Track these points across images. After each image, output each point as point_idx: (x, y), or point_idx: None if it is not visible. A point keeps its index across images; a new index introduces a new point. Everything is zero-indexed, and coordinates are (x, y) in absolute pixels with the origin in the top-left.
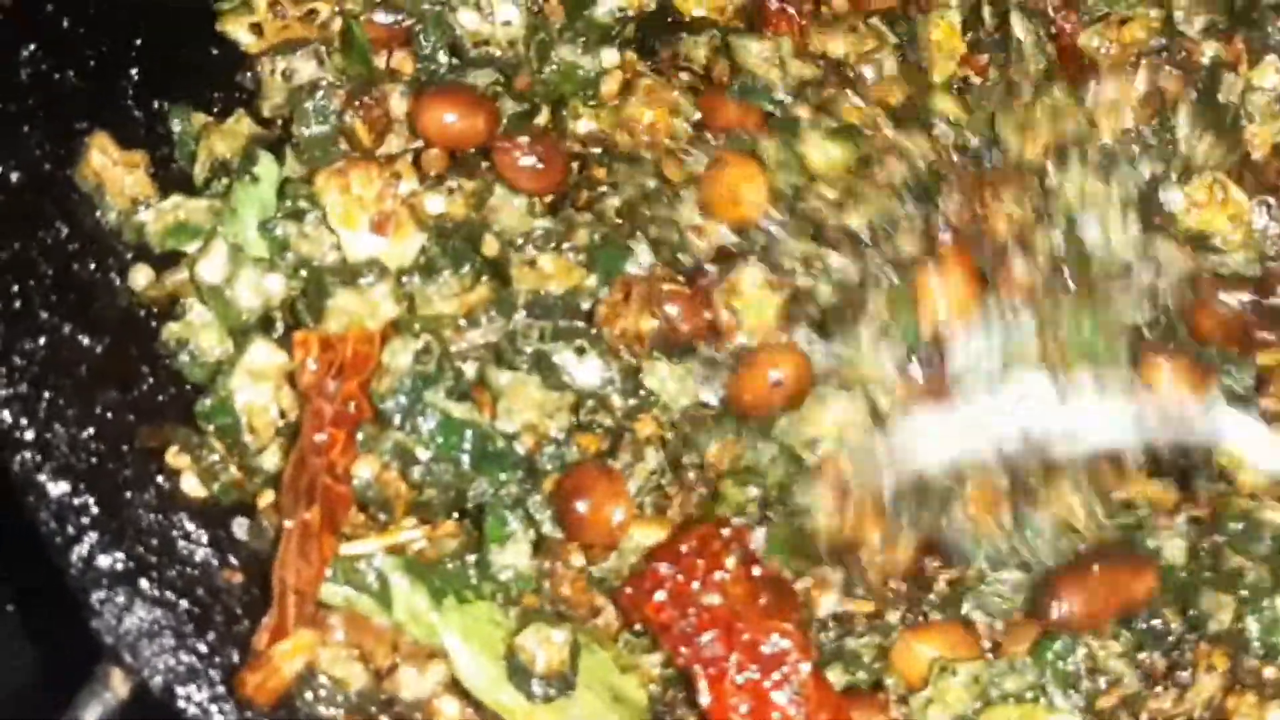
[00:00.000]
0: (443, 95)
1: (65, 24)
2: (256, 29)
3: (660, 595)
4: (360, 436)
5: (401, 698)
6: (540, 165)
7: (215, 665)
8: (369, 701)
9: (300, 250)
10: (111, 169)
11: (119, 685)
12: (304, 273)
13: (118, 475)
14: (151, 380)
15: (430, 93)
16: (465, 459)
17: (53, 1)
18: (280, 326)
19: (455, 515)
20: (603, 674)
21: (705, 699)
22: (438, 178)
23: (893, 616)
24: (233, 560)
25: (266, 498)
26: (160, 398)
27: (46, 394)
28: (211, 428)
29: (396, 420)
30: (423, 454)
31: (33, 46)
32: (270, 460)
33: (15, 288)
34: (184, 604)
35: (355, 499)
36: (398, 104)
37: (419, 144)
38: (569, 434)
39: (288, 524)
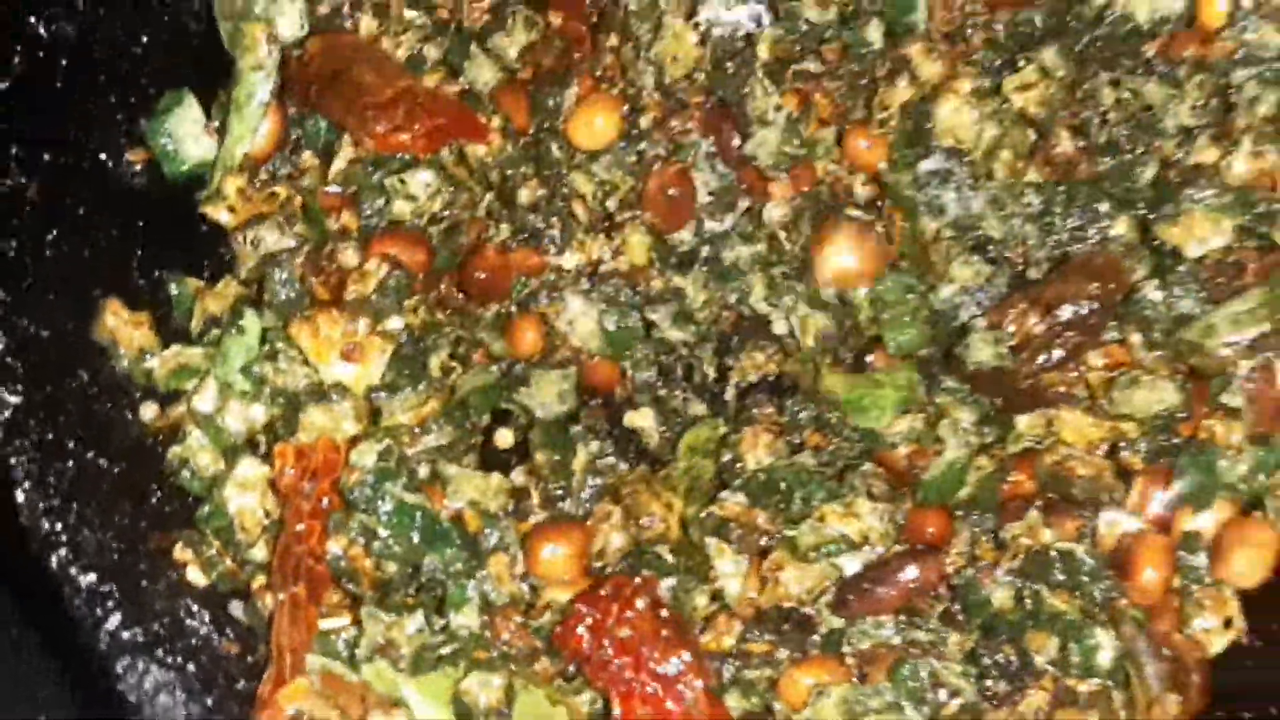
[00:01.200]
0: (383, 238)
1: (82, 211)
2: (231, 210)
3: (582, 629)
4: (331, 522)
5: None
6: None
7: (221, 713)
8: None
9: (277, 383)
10: (122, 327)
11: None
12: (281, 399)
13: (135, 569)
14: (159, 493)
15: (375, 239)
16: (416, 535)
17: (72, 195)
18: (263, 442)
19: (413, 591)
20: (536, 708)
21: (617, 711)
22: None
23: (781, 654)
24: (230, 634)
25: (258, 582)
26: (167, 508)
27: (75, 507)
28: (210, 530)
29: (361, 505)
30: (382, 532)
31: (56, 231)
32: (259, 553)
33: (48, 424)
34: (191, 668)
35: (330, 574)
36: (350, 258)
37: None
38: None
39: (280, 597)
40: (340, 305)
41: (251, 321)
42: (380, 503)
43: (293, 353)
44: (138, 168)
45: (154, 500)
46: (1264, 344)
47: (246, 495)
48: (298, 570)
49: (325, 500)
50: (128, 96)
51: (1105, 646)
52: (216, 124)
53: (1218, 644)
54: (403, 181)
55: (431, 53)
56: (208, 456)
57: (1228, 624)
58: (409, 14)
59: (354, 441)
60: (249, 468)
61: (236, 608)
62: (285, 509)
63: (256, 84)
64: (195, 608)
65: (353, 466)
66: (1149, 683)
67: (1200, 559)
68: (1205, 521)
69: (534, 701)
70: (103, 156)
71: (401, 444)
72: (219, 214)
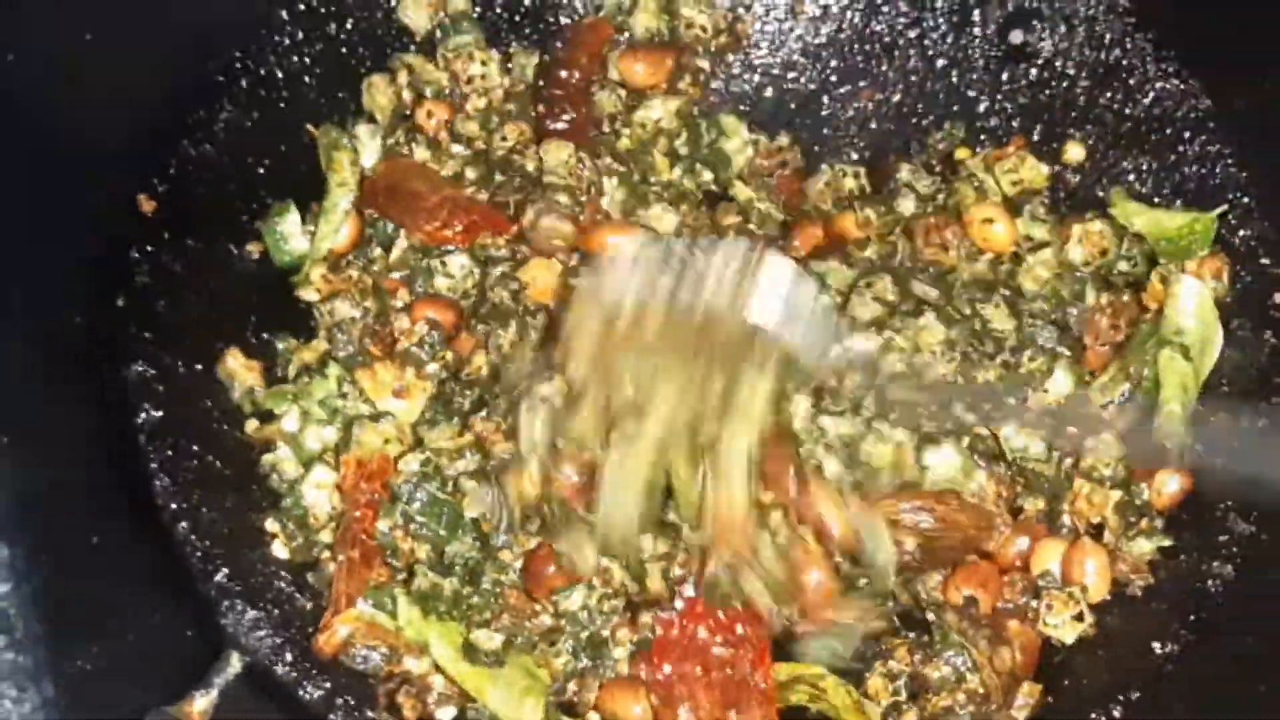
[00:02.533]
0: (424, 302)
1: (212, 284)
2: (317, 290)
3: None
4: (381, 509)
5: (409, 670)
6: None
7: (296, 645)
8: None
9: (346, 412)
10: (239, 369)
11: (236, 662)
12: (346, 425)
13: (237, 540)
14: (255, 488)
15: (417, 303)
16: (442, 524)
17: (206, 273)
18: (333, 457)
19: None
20: (523, 662)
21: None
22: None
23: None
24: (305, 594)
25: (325, 555)
26: (262, 500)
27: (196, 494)
28: (290, 518)
29: (404, 498)
30: (418, 518)
31: (194, 297)
32: (325, 536)
33: (180, 434)
34: (276, 613)
35: (379, 547)
36: (402, 322)
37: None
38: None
39: (340, 559)
40: (393, 357)
41: (332, 369)
42: (418, 496)
43: (357, 392)
44: (255, 256)
45: (252, 492)
46: None
47: (319, 493)
48: (354, 542)
49: (377, 495)
50: (250, 203)
51: None
52: (312, 227)
53: (1069, 636)
54: (444, 264)
55: (469, 173)
56: (290, 465)
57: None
58: (454, 148)
59: (401, 455)
60: (321, 474)
61: (311, 575)
62: (347, 502)
63: (340, 196)
64: (280, 571)
65: (400, 471)
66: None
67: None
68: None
69: (522, 659)
70: (230, 246)
71: (440, 462)
72: (308, 293)
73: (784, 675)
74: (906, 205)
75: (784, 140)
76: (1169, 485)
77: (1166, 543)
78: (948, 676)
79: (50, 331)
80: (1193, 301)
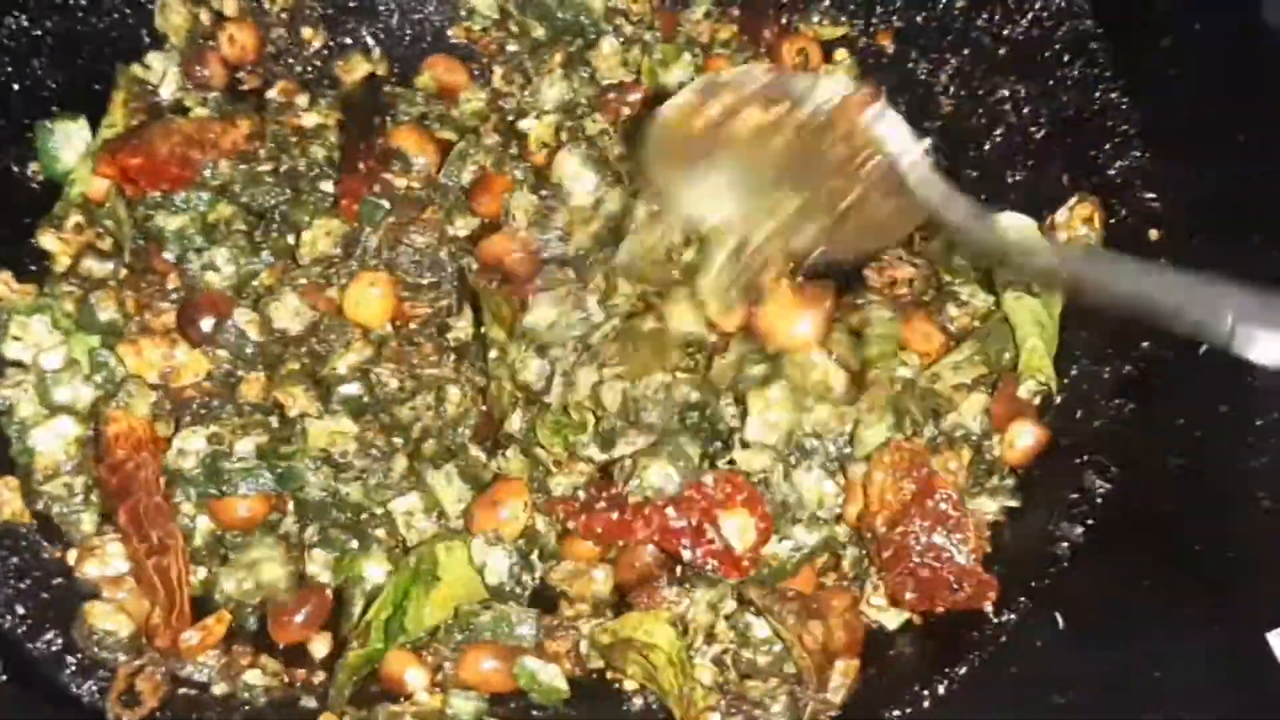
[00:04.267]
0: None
1: None
2: (61, 240)
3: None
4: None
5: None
6: None
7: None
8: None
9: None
10: (8, 295)
11: None
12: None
13: None
14: None
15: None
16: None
17: None
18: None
19: None
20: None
21: None
22: None
23: None
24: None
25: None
26: None
27: None
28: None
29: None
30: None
31: None
32: (50, 488)
33: None
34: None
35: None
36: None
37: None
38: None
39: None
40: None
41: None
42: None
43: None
44: (40, 178)
45: None
46: None
47: (56, 443)
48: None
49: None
50: (36, 119)
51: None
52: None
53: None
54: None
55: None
56: (29, 407)
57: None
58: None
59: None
60: (66, 424)
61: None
62: (100, 467)
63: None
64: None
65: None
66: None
67: None
68: None
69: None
70: (11, 165)
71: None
72: (48, 241)
73: (626, 631)
74: None
75: None
76: (1024, 438)
77: (1013, 503)
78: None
79: None
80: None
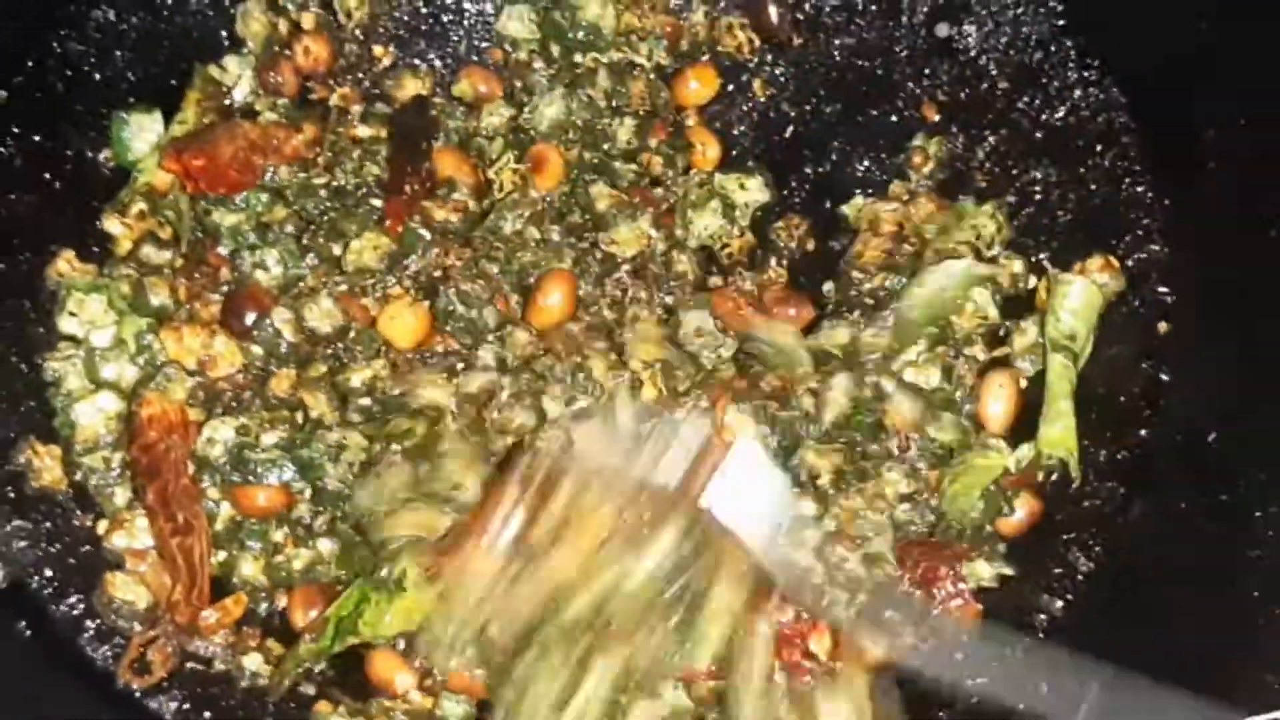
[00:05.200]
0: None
1: (55, 185)
2: (125, 225)
3: None
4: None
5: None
6: None
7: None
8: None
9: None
10: (71, 274)
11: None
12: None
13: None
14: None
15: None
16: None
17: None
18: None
19: None
20: None
21: None
22: None
23: None
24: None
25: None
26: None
27: None
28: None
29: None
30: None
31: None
32: (90, 461)
33: None
34: (46, 526)
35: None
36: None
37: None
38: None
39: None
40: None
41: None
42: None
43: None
44: (111, 164)
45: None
46: None
47: (97, 416)
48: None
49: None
50: (113, 109)
51: None
52: None
53: None
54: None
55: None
56: (77, 380)
57: None
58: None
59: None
60: (108, 400)
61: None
62: (133, 445)
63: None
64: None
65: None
66: None
67: None
68: None
69: None
70: (86, 150)
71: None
72: (113, 225)
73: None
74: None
75: None
76: (1018, 511)
77: (1008, 571)
78: None
79: None
80: (1079, 300)
